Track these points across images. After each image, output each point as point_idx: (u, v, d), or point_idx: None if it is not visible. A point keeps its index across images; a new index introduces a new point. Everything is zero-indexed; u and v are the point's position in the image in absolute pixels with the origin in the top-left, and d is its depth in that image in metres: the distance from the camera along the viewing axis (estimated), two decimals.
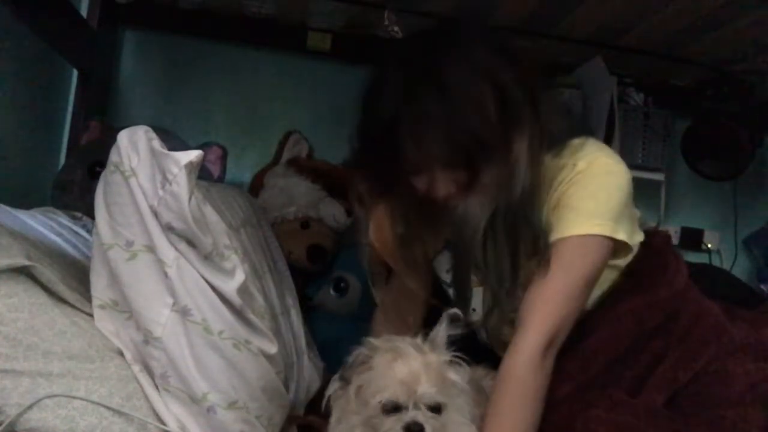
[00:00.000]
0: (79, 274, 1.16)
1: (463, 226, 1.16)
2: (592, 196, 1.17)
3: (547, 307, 1.15)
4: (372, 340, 1.14)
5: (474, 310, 1.34)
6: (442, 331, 1.12)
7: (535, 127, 1.15)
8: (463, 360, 1.13)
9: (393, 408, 1.05)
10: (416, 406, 1.05)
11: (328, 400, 1.15)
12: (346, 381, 1.12)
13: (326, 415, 1.16)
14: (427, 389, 1.06)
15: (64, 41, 1.90)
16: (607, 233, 1.16)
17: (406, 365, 1.08)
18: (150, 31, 2.23)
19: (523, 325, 1.14)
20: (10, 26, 1.69)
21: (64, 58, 1.98)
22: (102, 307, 1.10)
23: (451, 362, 1.11)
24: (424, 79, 1.13)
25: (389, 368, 1.08)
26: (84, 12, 2.08)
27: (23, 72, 1.83)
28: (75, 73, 2.11)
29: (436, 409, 1.07)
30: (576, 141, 1.22)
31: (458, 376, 1.11)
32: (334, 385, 1.15)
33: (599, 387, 1.17)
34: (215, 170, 1.86)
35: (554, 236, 1.16)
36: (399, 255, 1.31)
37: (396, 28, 1.83)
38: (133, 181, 1.06)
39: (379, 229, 1.31)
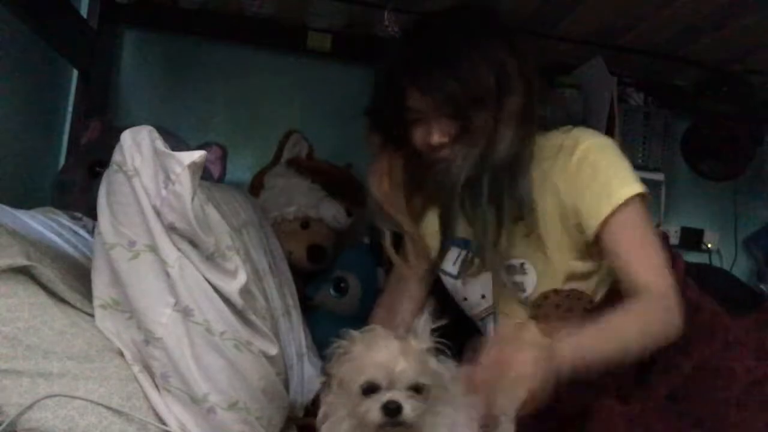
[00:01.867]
0: (79, 274, 1.16)
1: (446, 173, 1.27)
2: (612, 167, 1.26)
3: (650, 261, 1.21)
4: (351, 331, 1.14)
5: (483, 296, 1.37)
6: (423, 321, 1.12)
7: (527, 100, 1.27)
8: (447, 348, 1.12)
9: (372, 389, 1.05)
10: (394, 386, 1.05)
11: (318, 398, 1.16)
12: (328, 375, 1.12)
13: (315, 413, 1.16)
14: (405, 369, 1.05)
15: (64, 41, 1.90)
16: (639, 190, 1.24)
17: (384, 348, 1.08)
18: (150, 31, 2.23)
19: (643, 285, 1.18)
20: (10, 26, 1.69)
21: (64, 58, 1.98)
22: (103, 306, 1.10)
23: (434, 350, 1.11)
24: (431, 44, 1.30)
25: (367, 351, 1.08)
26: (84, 12, 2.08)
27: (23, 72, 1.84)
28: (75, 73, 2.11)
29: (417, 390, 1.06)
30: (564, 127, 1.33)
31: (441, 364, 1.10)
32: (319, 380, 1.16)
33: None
34: (215, 170, 1.86)
35: (602, 215, 1.23)
36: (399, 204, 1.42)
37: (396, 28, 1.82)
38: (136, 180, 1.06)
39: (380, 179, 1.46)
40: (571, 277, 1.32)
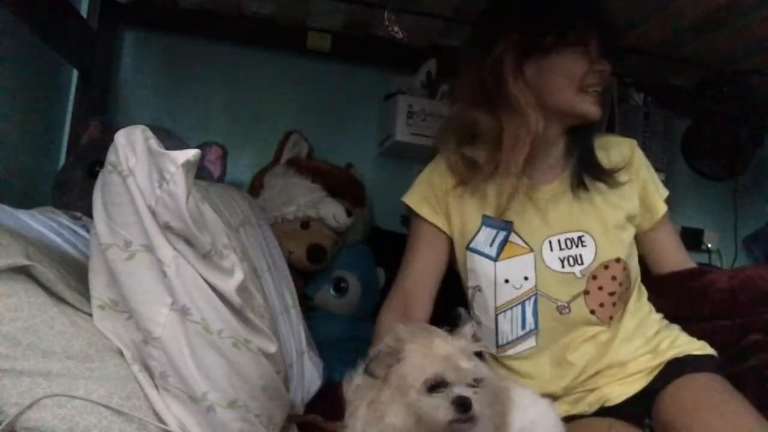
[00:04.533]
0: (78, 274, 1.16)
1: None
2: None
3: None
4: (398, 331, 1.12)
5: (527, 278, 1.40)
6: (469, 326, 1.13)
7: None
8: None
9: (437, 385, 1.04)
10: (462, 382, 1.04)
11: (348, 395, 1.13)
12: (371, 374, 1.10)
13: (337, 410, 1.14)
14: (469, 364, 1.05)
15: (64, 41, 1.90)
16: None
17: (446, 344, 1.08)
18: (150, 31, 2.23)
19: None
20: (10, 26, 1.69)
21: (64, 58, 1.98)
22: (101, 307, 1.10)
23: (478, 355, 1.12)
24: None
25: (428, 348, 1.07)
26: (84, 12, 2.08)
27: (23, 72, 1.84)
28: (75, 73, 2.11)
29: (478, 385, 1.06)
30: None
31: (487, 371, 1.11)
32: (357, 379, 1.12)
33: None
34: (215, 170, 1.86)
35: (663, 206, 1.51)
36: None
37: (396, 28, 1.82)
38: (130, 180, 1.06)
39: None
40: (629, 252, 1.44)
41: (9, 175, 1.79)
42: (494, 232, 1.42)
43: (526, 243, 1.41)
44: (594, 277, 1.39)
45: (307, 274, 1.99)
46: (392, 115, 2.13)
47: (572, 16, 1.38)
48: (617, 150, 1.49)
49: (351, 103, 2.34)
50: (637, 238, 1.49)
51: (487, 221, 1.43)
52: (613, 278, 1.40)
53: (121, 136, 1.08)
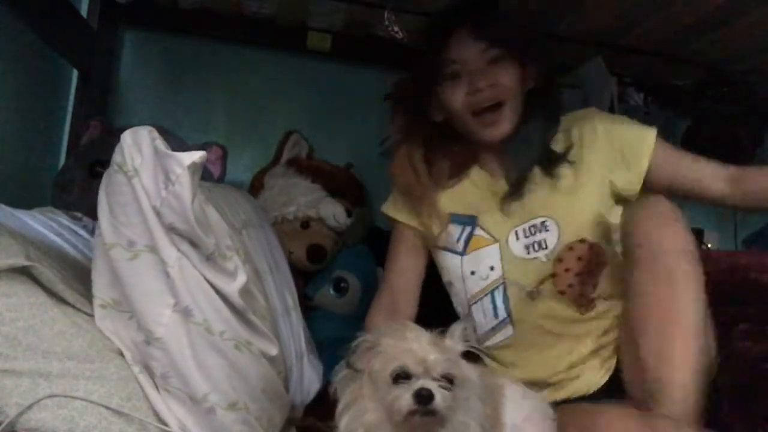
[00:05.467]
0: (79, 274, 1.16)
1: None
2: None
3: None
4: (379, 326, 1.16)
5: (492, 268, 1.42)
6: (459, 325, 1.13)
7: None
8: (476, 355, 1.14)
9: (403, 377, 1.05)
10: (427, 376, 1.04)
11: (335, 389, 1.14)
12: (351, 367, 1.11)
13: (331, 406, 1.15)
14: (438, 359, 1.05)
15: (64, 41, 1.90)
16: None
17: (416, 338, 1.08)
18: (150, 31, 2.23)
19: (731, 171, 1.41)
20: (10, 26, 1.69)
21: (64, 58, 1.98)
22: (103, 306, 1.09)
23: (464, 355, 1.12)
24: None
25: (399, 341, 1.08)
26: (84, 12, 2.08)
27: (23, 72, 1.84)
28: (75, 73, 2.11)
29: (449, 382, 1.06)
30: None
31: (470, 370, 1.11)
32: (340, 373, 1.14)
33: None
34: (215, 170, 1.86)
35: (650, 145, 1.42)
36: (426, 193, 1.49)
37: (396, 28, 1.82)
38: (136, 181, 1.06)
39: (404, 170, 1.50)
40: (594, 231, 1.40)
41: (9, 175, 1.79)
42: (461, 227, 1.46)
43: (490, 235, 1.43)
44: (560, 260, 1.39)
45: (307, 274, 1.99)
46: (392, 115, 2.13)
47: (437, 52, 1.41)
48: (577, 127, 1.46)
49: (351, 103, 2.34)
50: (664, 187, 1.41)
51: (453, 218, 1.47)
52: (579, 259, 1.39)
53: (127, 136, 1.08)
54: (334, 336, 1.87)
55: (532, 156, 1.43)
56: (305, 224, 1.97)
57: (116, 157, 1.08)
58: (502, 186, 1.45)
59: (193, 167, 1.06)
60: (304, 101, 2.31)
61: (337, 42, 2.21)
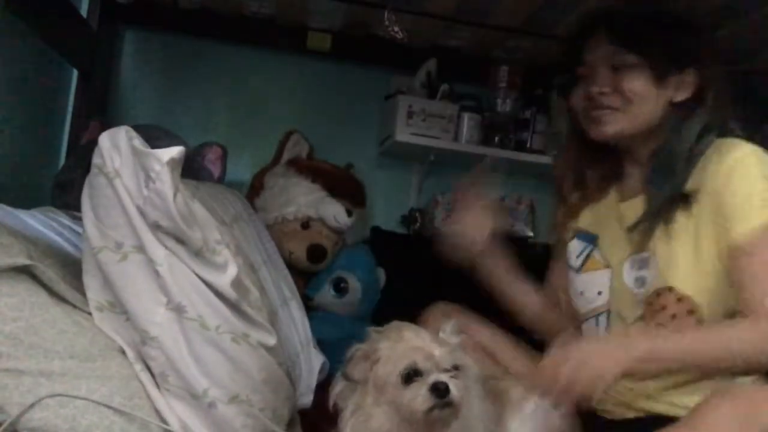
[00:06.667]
0: (79, 273, 1.15)
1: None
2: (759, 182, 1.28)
3: None
4: (370, 331, 1.14)
5: (600, 293, 1.38)
6: (450, 324, 1.14)
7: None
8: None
9: (413, 375, 1.04)
10: (437, 369, 1.05)
11: (335, 403, 1.14)
12: (349, 379, 1.11)
13: (334, 415, 1.14)
14: (443, 351, 1.05)
15: (64, 41, 1.90)
16: None
17: (416, 336, 1.08)
18: (150, 31, 2.23)
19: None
20: (10, 26, 1.69)
21: (64, 58, 1.98)
22: (99, 309, 1.09)
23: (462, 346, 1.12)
24: None
25: (398, 342, 1.08)
26: (84, 12, 2.08)
27: (23, 72, 1.83)
28: (75, 73, 2.11)
29: (457, 371, 1.06)
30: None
31: (468, 359, 1.12)
32: (339, 386, 1.13)
33: None
34: (215, 170, 1.85)
35: (752, 223, 1.24)
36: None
37: (396, 28, 1.83)
38: (117, 182, 1.06)
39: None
40: (687, 282, 1.27)
41: (9, 175, 1.79)
42: (583, 244, 1.44)
43: (605, 259, 1.39)
44: (649, 303, 1.30)
45: (307, 274, 1.99)
46: (392, 115, 2.13)
47: (573, 57, 1.38)
48: (714, 165, 1.29)
49: (351, 103, 2.34)
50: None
51: (579, 234, 1.45)
52: (663, 308, 1.28)
53: (105, 138, 1.08)
54: (334, 336, 1.87)
55: (674, 190, 1.29)
56: (305, 224, 1.97)
57: (96, 160, 1.08)
58: (630, 210, 1.36)
59: (172, 163, 1.05)
60: (304, 101, 2.32)
61: (337, 42, 2.21)
